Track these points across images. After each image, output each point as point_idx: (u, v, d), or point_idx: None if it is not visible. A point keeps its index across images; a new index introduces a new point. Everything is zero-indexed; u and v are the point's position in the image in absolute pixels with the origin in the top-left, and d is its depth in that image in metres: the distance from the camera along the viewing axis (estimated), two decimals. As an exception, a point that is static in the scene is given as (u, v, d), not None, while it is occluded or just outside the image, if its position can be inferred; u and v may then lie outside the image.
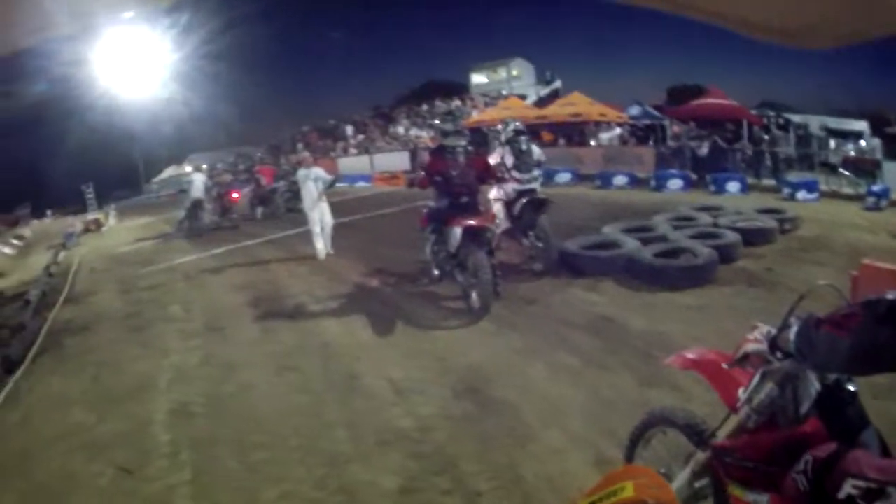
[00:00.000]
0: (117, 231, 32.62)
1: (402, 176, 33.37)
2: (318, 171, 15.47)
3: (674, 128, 28.44)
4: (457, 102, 48.33)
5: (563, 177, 27.22)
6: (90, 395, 8.29)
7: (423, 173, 10.40)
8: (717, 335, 7.53)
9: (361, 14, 74.84)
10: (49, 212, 52.29)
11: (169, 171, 63.53)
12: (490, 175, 10.77)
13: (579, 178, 27.11)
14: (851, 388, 2.83)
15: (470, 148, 10.09)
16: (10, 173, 55.13)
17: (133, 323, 11.72)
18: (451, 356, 7.99)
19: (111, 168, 55.85)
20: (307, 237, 15.76)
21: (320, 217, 15.25)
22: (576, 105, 33.65)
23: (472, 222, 9.40)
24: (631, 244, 11.34)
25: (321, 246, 15.31)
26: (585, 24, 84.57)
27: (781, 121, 29.13)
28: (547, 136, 34.34)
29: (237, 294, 12.87)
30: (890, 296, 2.20)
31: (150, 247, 22.67)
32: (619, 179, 25.17)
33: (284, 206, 25.09)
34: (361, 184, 36.38)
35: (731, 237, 11.64)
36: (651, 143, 29.61)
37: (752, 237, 12.24)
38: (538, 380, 7.02)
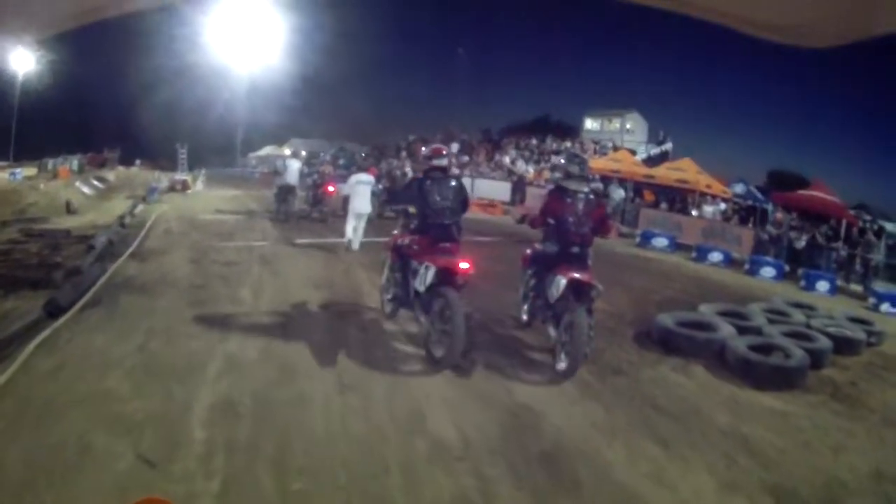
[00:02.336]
0: (203, 197, 32.74)
1: (500, 206, 33.31)
2: (369, 177, 18.52)
3: (777, 214, 27.38)
4: (567, 144, 47.54)
5: (661, 242, 26.33)
6: (132, 362, 7.70)
7: (537, 213, 9.63)
8: (799, 448, 7.12)
9: (488, 36, 75.07)
10: (138, 161, 54.38)
11: (267, 150, 64.44)
12: (605, 229, 9.68)
13: (676, 246, 26.31)
14: None
15: (591, 196, 9.28)
16: (106, 115, 56.04)
17: (197, 296, 11.12)
18: (527, 415, 7.23)
19: (210, 133, 56.50)
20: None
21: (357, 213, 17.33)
22: (685, 172, 32.76)
23: (578, 276, 8.54)
24: (726, 330, 10.63)
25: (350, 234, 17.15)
26: (702, 91, 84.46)
27: (875, 226, 27.99)
28: (649, 195, 33.89)
29: (312, 290, 12.12)
30: None
31: (231, 221, 22.48)
32: (715, 256, 24.34)
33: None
34: (456, 206, 35.48)
35: (824, 342, 10.83)
36: (751, 224, 28.59)
37: (841, 346, 11.43)
38: (616, 464, 6.28)
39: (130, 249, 15.06)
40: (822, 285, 21.25)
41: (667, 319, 10.88)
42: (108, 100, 56.85)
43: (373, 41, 58.90)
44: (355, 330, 9.84)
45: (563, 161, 9.64)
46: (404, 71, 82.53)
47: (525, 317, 10.10)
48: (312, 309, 10.85)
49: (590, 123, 61.27)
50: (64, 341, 8.34)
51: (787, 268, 23.12)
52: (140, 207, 25.34)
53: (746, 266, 23.06)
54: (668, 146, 51.04)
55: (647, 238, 26.33)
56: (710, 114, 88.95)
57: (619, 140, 54.02)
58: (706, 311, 12.01)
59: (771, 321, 11.79)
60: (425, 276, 8.36)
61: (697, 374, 9.42)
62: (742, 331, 10.78)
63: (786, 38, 3.39)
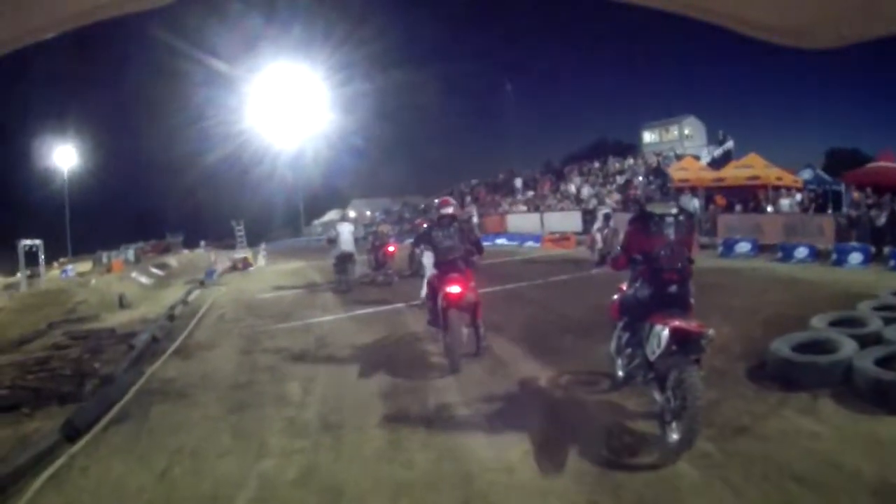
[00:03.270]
0: (264, 273, 32.37)
1: (574, 238, 32.05)
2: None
3: (854, 194, 25.58)
4: (629, 161, 46.46)
5: (743, 247, 24.82)
6: (148, 495, 6.54)
7: (618, 251, 8.12)
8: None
9: (537, 69, 74.92)
10: (202, 243, 53.58)
11: (331, 214, 64.23)
12: (690, 257, 7.74)
13: (759, 248, 24.69)
14: None
15: (681, 217, 7.41)
16: (165, 200, 56.66)
17: (239, 398, 9.92)
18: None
19: (272, 206, 56.82)
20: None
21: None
22: (753, 168, 31.50)
23: (682, 324, 6.83)
24: (848, 346, 9.00)
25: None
26: (747, 81, 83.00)
27: None
28: (720, 200, 32.23)
29: (370, 377, 10.59)
30: None
31: (291, 297, 21.59)
32: (801, 252, 22.74)
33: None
34: (530, 244, 34.72)
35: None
36: (829, 211, 27.06)
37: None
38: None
39: (175, 346, 14.09)
40: None
41: (781, 347, 9.30)
42: (165, 184, 57.78)
43: (425, 93, 58.97)
44: (418, 424, 8.11)
45: (640, 179, 8.23)
46: (460, 116, 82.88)
47: (620, 373, 8.32)
48: (368, 401, 9.27)
49: (648, 136, 60.26)
50: (78, 472, 7.28)
51: (873, 249, 21.63)
52: (195, 293, 24.63)
53: (833, 257, 21.54)
54: (730, 144, 49.96)
55: (729, 246, 24.93)
56: (758, 103, 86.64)
57: (679, 148, 52.69)
58: (818, 324, 10.43)
59: (888, 322, 10.14)
60: (656, 341, 7.37)
61: (829, 413, 7.77)
62: (863, 342, 9.19)
63: (785, 39, 3.25)
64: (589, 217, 29.69)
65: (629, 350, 7.94)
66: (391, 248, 22.69)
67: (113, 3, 3.11)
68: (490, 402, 8.74)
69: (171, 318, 18.27)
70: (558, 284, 19.43)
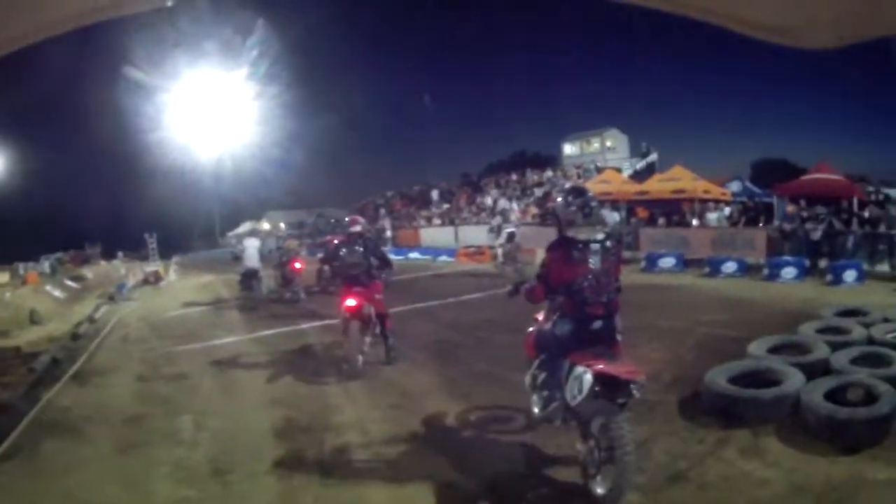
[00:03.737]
0: (174, 288, 31.73)
1: (489, 252, 30.59)
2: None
3: (788, 207, 25.13)
4: (548, 174, 46.14)
5: (668, 261, 24.33)
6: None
7: (535, 281, 6.82)
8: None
9: (456, 81, 74.69)
10: (120, 254, 51.81)
11: (246, 226, 62.33)
12: (618, 286, 6.81)
13: (685, 263, 24.24)
14: None
15: (609, 244, 6.43)
16: (84, 210, 55.14)
17: (130, 436, 8.89)
18: None
19: (188, 217, 55.67)
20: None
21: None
22: (679, 180, 30.85)
23: (608, 369, 5.81)
24: (793, 378, 8.17)
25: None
26: (669, 93, 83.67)
27: (881, 196, 26.02)
28: (642, 212, 32.04)
29: (266, 411, 9.61)
30: None
31: (197, 315, 20.67)
32: (729, 266, 22.26)
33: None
34: (444, 258, 34.04)
35: (902, 364, 8.72)
36: (761, 224, 26.71)
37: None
38: None
39: (74, 369, 13.26)
40: (850, 275, 19.33)
41: (717, 378, 8.46)
42: (85, 194, 56.13)
43: (341, 105, 58.14)
44: (312, 470, 7.25)
45: (559, 200, 6.77)
46: (377, 130, 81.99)
47: (537, 410, 7.14)
48: (262, 442, 8.27)
49: (569, 149, 59.25)
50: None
51: (808, 263, 21.20)
52: (103, 309, 23.66)
53: (766, 271, 21.16)
54: (654, 157, 49.77)
55: (652, 261, 24.46)
56: (681, 115, 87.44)
57: (601, 160, 52.10)
58: (757, 351, 9.58)
59: (833, 346, 9.40)
60: (578, 386, 6.36)
61: (776, 454, 6.92)
62: (809, 372, 8.40)
63: (784, 39, 3.35)
64: (494, 232, 28.43)
65: (546, 392, 6.78)
66: (298, 265, 22.00)
67: (112, 4, 3.31)
68: (393, 446, 7.84)
69: (74, 337, 17.41)
70: (473, 303, 18.71)
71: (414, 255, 36.54)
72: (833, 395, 7.63)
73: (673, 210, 30.90)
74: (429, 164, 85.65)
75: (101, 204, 55.35)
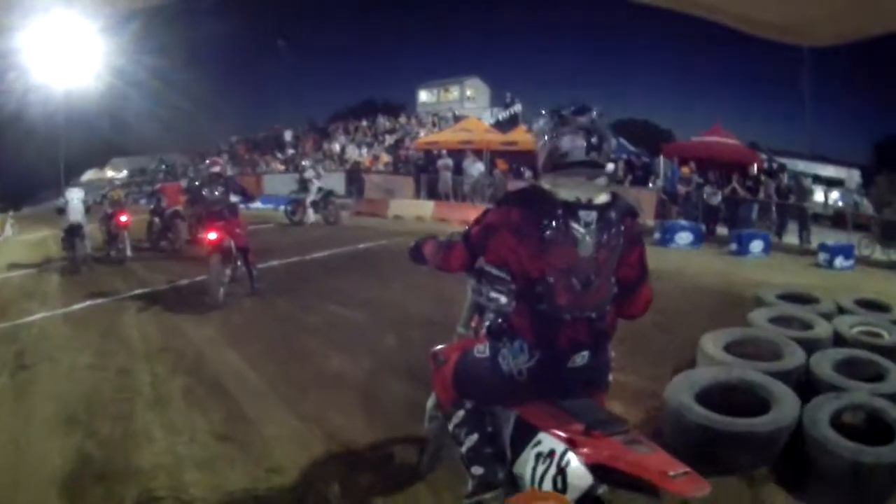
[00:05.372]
0: (8, 245, 28.35)
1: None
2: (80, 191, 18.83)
3: (684, 168, 23.62)
4: (402, 120, 44.33)
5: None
6: None
7: (457, 238, 4.02)
8: None
9: (303, 25, 72.03)
10: None
11: (89, 175, 58.76)
12: (643, 298, 3.86)
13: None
14: None
15: (614, 215, 3.47)
16: None
17: None
18: None
19: (31, 166, 51.87)
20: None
21: None
22: (550, 133, 28.73)
23: (629, 464, 3.01)
24: (786, 398, 5.80)
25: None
26: (540, 45, 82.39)
27: (775, 165, 25.68)
28: (502, 165, 30.23)
29: (58, 436, 6.72)
30: None
31: (18, 280, 17.57)
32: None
33: (186, 237, 20.15)
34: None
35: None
36: (651, 185, 25.46)
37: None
38: None
39: None
40: (757, 245, 18.65)
41: (683, 398, 5.81)
42: None
43: (186, 45, 54.88)
44: None
45: (544, 119, 3.81)
46: (223, 71, 78.20)
47: (426, 458, 5.11)
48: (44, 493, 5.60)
49: (424, 96, 57.47)
50: None
51: (703, 229, 20.54)
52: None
53: (657, 235, 20.04)
54: (517, 108, 47.44)
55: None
56: (545, 67, 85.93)
57: (459, 109, 50.30)
58: (713, 351, 7.08)
59: (803, 346, 7.11)
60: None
61: None
62: (793, 384, 6.20)
63: (786, 37, 2.40)
64: (302, 186, 26.73)
65: (477, 467, 3.81)
66: (123, 218, 19.06)
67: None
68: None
69: None
70: (356, 255, 17.27)
71: (257, 204, 32.50)
72: (837, 420, 5.55)
73: (534, 163, 28.88)
74: (274, 110, 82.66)
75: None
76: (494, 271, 3.97)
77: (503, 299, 4.00)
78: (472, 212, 23.61)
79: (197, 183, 15.36)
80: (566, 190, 3.38)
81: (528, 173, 28.24)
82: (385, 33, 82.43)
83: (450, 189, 29.96)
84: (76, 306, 13.32)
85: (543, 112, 3.66)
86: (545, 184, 3.50)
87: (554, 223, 3.35)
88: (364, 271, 15.65)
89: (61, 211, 18.15)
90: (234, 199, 13.02)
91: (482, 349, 3.78)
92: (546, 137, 3.57)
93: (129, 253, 18.99)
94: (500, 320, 3.82)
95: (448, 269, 4.12)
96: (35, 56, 36.65)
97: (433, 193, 30.49)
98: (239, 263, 12.95)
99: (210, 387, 8.19)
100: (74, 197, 18.20)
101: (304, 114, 68.67)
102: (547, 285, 3.39)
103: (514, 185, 25.49)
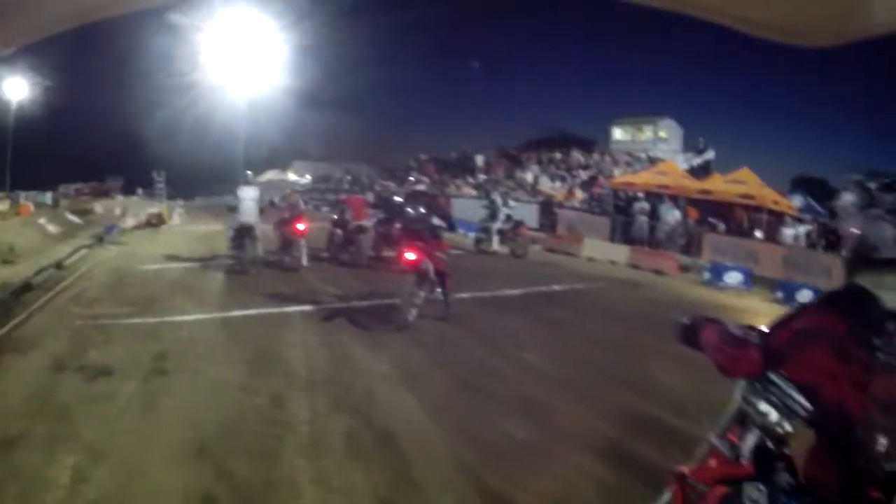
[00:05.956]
0: (173, 234, 29.38)
1: (527, 232, 27.06)
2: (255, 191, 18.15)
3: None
4: (595, 156, 43.27)
5: (734, 277, 21.12)
6: None
7: (755, 341, 2.95)
8: None
9: (496, 49, 72.19)
10: (140, 190, 50.25)
11: (270, 175, 59.98)
12: None
13: (752, 281, 20.94)
14: None
15: None
16: (109, 142, 53.32)
17: None
18: None
19: (209, 159, 53.42)
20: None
21: None
22: (746, 185, 27.83)
23: None
24: None
25: None
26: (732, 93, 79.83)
27: None
28: (693, 213, 28.86)
29: (183, 469, 5.97)
30: None
31: (175, 274, 17.48)
32: (804, 294, 18.69)
33: (369, 253, 19.58)
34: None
35: None
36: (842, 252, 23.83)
37: None
38: None
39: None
40: None
41: None
42: (110, 125, 54.23)
43: (381, 58, 55.73)
44: None
45: (852, 193, 2.93)
46: (414, 88, 79.48)
47: None
48: None
49: (618, 133, 55.14)
50: None
51: None
52: (81, 253, 20.52)
53: None
54: (711, 155, 45.35)
55: (717, 273, 21.26)
56: (736, 117, 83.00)
57: (652, 150, 49.06)
58: None
59: None
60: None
61: None
62: None
63: (785, 37, 3.40)
64: (490, 214, 25.35)
65: None
66: (301, 226, 18.51)
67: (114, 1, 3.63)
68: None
69: (26, 287, 14.18)
70: (553, 298, 15.95)
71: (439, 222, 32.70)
72: None
73: (725, 215, 28.21)
74: (462, 132, 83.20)
75: (126, 137, 53.19)
76: (780, 382, 2.92)
77: (774, 416, 2.86)
78: (667, 261, 22.59)
79: (397, 198, 15.55)
80: (889, 294, 2.48)
81: (721, 226, 27.18)
82: (578, 64, 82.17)
83: (645, 234, 28.68)
84: (236, 312, 12.86)
85: (849, 183, 2.85)
86: (866, 283, 2.63)
87: (887, 343, 2.47)
88: (562, 318, 14.11)
89: (232, 209, 17.89)
90: (436, 221, 12.69)
91: (755, 497, 2.80)
92: (852, 219, 2.76)
93: (304, 262, 18.47)
94: (769, 445, 2.88)
95: (729, 371, 3.14)
96: (219, 54, 37.85)
97: (626, 236, 29.24)
98: (436, 288, 12.49)
99: (378, 435, 7.07)
100: (248, 196, 17.87)
101: (493, 138, 68.66)
102: (869, 429, 2.45)
103: (710, 239, 24.83)
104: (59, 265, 17.49)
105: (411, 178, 14.45)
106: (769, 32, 3.25)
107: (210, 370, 9.07)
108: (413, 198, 12.90)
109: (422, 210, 12.58)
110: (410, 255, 11.89)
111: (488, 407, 8.20)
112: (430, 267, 12.05)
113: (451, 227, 13.68)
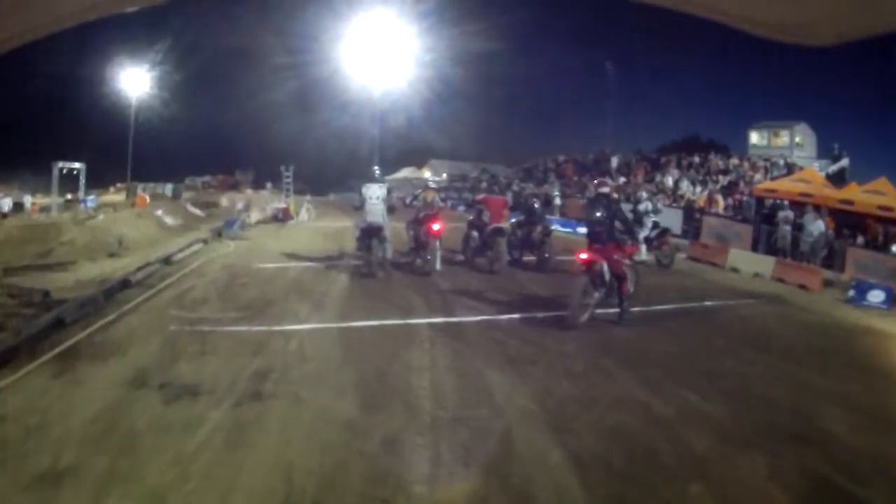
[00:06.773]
0: (298, 230, 29.10)
1: (672, 241, 24.59)
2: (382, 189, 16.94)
3: None
4: (734, 161, 41.71)
5: (876, 296, 19.14)
6: None
7: None
8: None
9: (631, 49, 71.56)
10: (269, 184, 51.75)
11: (405, 172, 60.65)
12: None
13: (891, 299, 18.99)
14: None
15: None
16: (241, 136, 54.37)
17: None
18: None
19: (343, 155, 54.05)
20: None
21: None
22: (885, 196, 25.82)
23: None
24: None
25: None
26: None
27: None
28: (830, 224, 26.80)
29: None
30: None
31: (295, 273, 16.73)
32: (950, 318, 17.13)
33: (508, 258, 18.41)
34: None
35: None
36: None
37: None
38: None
39: (68, 343, 9.74)
40: None
41: None
42: (245, 122, 55.43)
43: (520, 59, 55.51)
44: None
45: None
46: (552, 90, 79.02)
47: None
48: None
49: (755, 138, 53.58)
50: None
51: None
52: (194, 248, 20.18)
53: None
54: (846, 162, 43.78)
55: (861, 291, 19.30)
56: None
57: (789, 156, 46.80)
58: None
59: None
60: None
61: None
62: None
63: (786, 37, 3.43)
64: (636, 219, 22.67)
65: None
66: (436, 226, 17.12)
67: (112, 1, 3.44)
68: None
69: (124, 284, 13.81)
70: (707, 318, 13.92)
71: (583, 229, 31.26)
72: None
73: (860, 227, 26.67)
74: (600, 133, 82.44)
75: (258, 132, 54.22)
76: None
77: None
78: (812, 277, 21.18)
79: (583, 200, 14.77)
80: None
81: (860, 239, 25.83)
82: (714, 67, 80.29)
83: (788, 245, 26.99)
84: (355, 323, 11.69)
85: None
86: None
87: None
88: (720, 345, 11.60)
89: (357, 208, 16.96)
90: (617, 224, 12.69)
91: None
92: None
93: (437, 266, 17.35)
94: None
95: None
96: (355, 52, 38.04)
97: (769, 247, 27.75)
98: (608, 292, 12.33)
99: (512, 497, 5.68)
100: (374, 195, 16.57)
101: (629, 139, 67.86)
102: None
103: (853, 253, 23.42)
104: (167, 260, 17.22)
105: (595, 182, 15.37)
106: (770, 32, 3.36)
107: (315, 397, 7.90)
108: (597, 200, 12.86)
109: (601, 211, 12.50)
110: (583, 255, 12.16)
111: (646, 460, 6.52)
112: (605, 268, 12.07)
113: (630, 231, 14.10)
